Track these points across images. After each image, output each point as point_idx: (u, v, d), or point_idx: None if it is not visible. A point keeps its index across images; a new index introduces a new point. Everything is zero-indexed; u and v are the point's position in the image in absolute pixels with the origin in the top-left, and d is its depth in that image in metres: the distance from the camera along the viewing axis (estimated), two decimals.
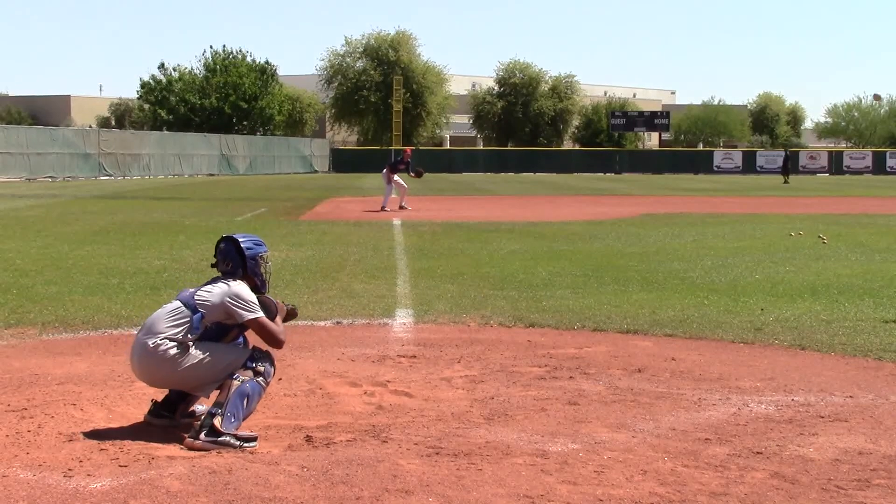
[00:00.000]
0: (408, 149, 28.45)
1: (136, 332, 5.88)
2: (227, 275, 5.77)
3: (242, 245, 5.80)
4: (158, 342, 5.52)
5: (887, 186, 50.47)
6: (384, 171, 27.77)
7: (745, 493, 4.65)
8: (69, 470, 4.87)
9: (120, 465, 4.96)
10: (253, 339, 5.78)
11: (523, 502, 4.51)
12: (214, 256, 5.86)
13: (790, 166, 58.48)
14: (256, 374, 5.60)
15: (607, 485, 4.74)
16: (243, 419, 5.52)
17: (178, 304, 5.66)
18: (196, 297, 5.62)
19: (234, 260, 5.78)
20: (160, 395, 5.87)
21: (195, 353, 5.55)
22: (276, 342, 5.71)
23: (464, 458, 5.09)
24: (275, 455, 5.18)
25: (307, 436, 5.55)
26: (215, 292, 5.64)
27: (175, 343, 5.53)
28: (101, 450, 5.21)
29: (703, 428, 5.75)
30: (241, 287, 5.69)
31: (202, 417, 5.51)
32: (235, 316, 5.60)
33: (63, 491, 4.58)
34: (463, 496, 4.56)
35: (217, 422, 5.37)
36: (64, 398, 6.25)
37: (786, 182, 53.51)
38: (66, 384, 6.66)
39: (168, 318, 5.60)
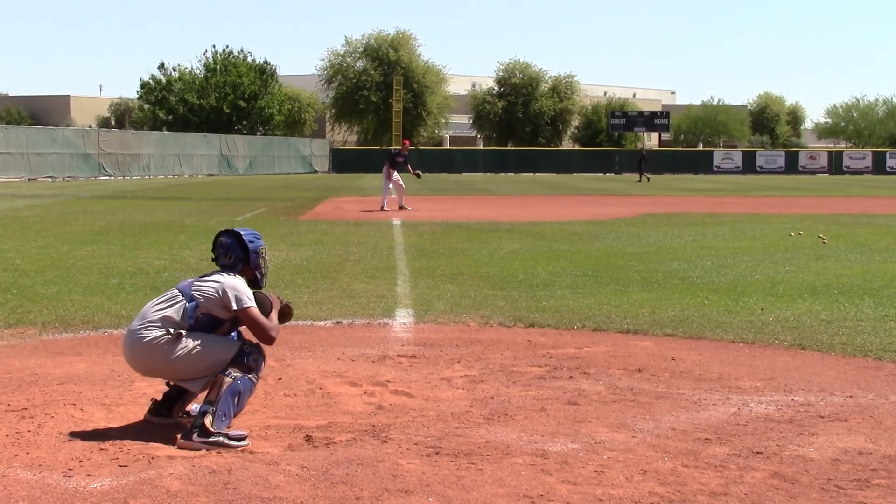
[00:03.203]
0: (406, 141, 28.45)
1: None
2: (227, 268, 5.77)
3: (245, 237, 5.81)
4: (151, 329, 5.50)
5: (887, 186, 50.48)
6: (384, 168, 27.80)
7: (745, 493, 4.65)
8: (69, 470, 4.87)
9: (120, 465, 4.96)
10: (247, 335, 5.78)
11: (523, 502, 4.51)
12: (213, 251, 5.86)
13: (644, 166, 58.14)
14: (248, 370, 5.57)
15: (607, 485, 4.74)
16: (234, 416, 5.51)
17: (175, 291, 5.67)
18: (193, 287, 5.64)
19: (236, 252, 5.78)
20: (160, 394, 5.88)
21: (186, 343, 5.51)
22: (268, 337, 5.68)
23: (464, 458, 5.09)
24: (275, 455, 5.18)
25: (307, 436, 5.54)
26: (212, 282, 5.65)
27: (167, 331, 5.50)
28: (101, 450, 5.20)
29: (703, 428, 5.75)
30: (237, 279, 5.70)
31: (194, 417, 5.51)
32: (229, 305, 5.57)
33: (63, 491, 4.58)
34: (463, 496, 4.56)
35: (208, 421, 5.37)
36: (64, 398, 6.25)
37: (639, 182, 53.14)
38: (66, 384, 6.66)
39: (162, 304, 5.60)
